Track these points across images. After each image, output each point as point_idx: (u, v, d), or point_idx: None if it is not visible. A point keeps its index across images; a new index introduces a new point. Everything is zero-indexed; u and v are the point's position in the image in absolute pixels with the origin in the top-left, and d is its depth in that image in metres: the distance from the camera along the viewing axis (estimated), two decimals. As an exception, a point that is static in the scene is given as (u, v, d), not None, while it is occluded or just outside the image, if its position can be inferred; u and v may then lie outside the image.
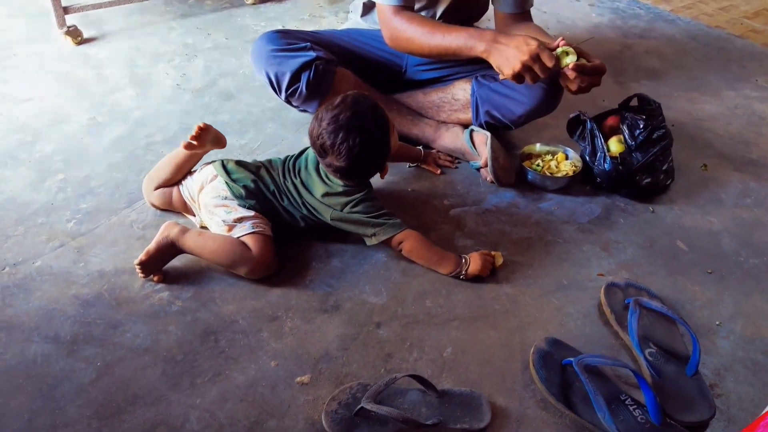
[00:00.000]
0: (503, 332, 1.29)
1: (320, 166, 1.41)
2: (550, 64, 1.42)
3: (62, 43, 2.24)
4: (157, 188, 1.50)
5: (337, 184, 1.39)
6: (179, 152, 1.46)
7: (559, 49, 1.46)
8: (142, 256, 1.32)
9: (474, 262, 1.39)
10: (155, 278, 1.35)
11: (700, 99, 2.16)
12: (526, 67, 1.42)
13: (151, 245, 1.33)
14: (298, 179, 1.43)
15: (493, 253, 1.44)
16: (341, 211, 1.40)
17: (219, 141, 1.49)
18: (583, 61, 1.47)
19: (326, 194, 1.39)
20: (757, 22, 2.83)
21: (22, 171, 1.64)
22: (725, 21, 2.81)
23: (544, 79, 1.54)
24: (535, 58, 1.41)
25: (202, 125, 1.42)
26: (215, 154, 1.54)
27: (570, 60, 1.45)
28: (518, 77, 1.45)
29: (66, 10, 2.20)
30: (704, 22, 2.77)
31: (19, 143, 1.74)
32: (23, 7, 2.48)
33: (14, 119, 1.84)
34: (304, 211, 1.42)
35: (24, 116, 1.85)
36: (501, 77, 1.49)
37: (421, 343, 1.25)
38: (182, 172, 1.49)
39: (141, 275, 1.34)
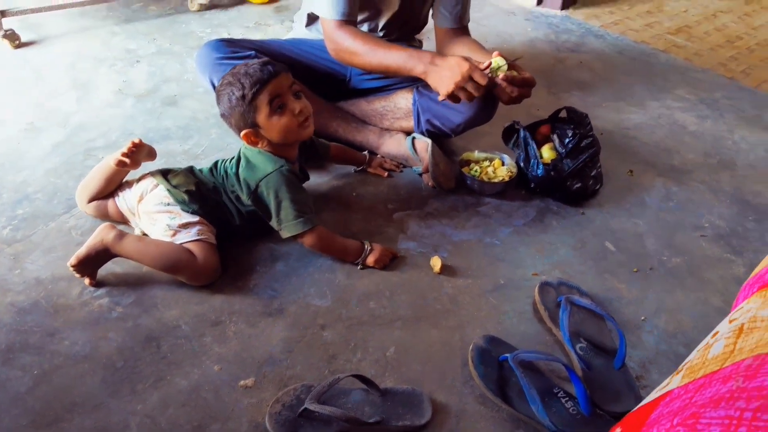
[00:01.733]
0: (444, 331, 1.34)
1: (241, 153, 1.45)
2: (483, 83, 1.48)
3: (-2, 47, 2.19)
4: (90, 201, 1.48)
5: (249, 161, 1.42)
6: (109, 165, 1.43)
7: (493, 61, 1.53)
8: (72, 260, 1.29)
9: (372, 255, 1.46)
10: (87, 281, 1.33)
11: (626, 109, 2.29)
12: (459, 88, 1.48)
13: (82, 249, 1.30)
14: (230, 168, 1.46)
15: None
16: (254, 190, 1.40)
17: (150, 155, 1.49)
18: (514, 73, 1.54)
19: (242, 172, 1.42)
20: (679, 38, 3.00)
21: (-45, 177, 1.60)
22: (650, 36, 2.97)
23: (479, 98, 1.62)
24: (468, 78, 1.47)
25: (137, 141, 1.40)
26: (156, 163, 1.53)
27: (502, 72, 1.52)
28: (453, 97, 1.51)
29: (3, 13, 2.15)
30: (630, 38, 2.92)
31: (-49, 148, 1.69)
32: (-46, 9, 2.40)
33: (-55, 124, 1.79)
34: (238, 204, 1.44)
35: (-44, 121, 1.80)
36: (439, 98, 1.55)
37: (365, 343, 1.29)
38: (113, 184, 1.47)
39: (76, 275, 1.32)
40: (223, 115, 1.42)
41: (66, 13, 2.43)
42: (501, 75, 1.51)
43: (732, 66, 2.77)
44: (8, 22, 2.18)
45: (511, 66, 1.54)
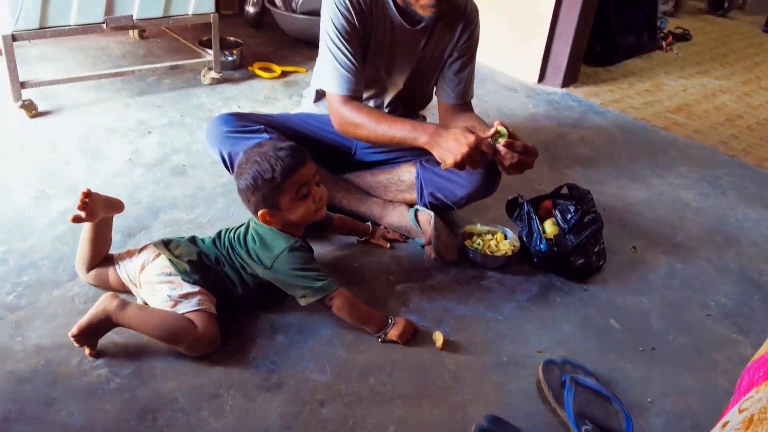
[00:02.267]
0: (445, 410, 1.31)
1: (252, 223, 1.47)
2: (489, 151, 1.52)
3: (16, 116, 2.25)
4: (89, 270, 1.48)
5: (261, 238, 1.43)
6: (85, 228, 1.44)
7: (493, 129, 1.56)
8: (74, 329, 1.29)
9: (395, 329, 1.44)
10: (87, 351, 1.32)
11: (629, 185, 2.32)
12: (467, 157, 1.51)
13: (84, 319, 1.30)
14: (236, 243, 1.46)
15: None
16: (270, 267, 1.42)
17: (113, 206, 1.46)
18: (515, 141, 1.57)
19: (256, 249, 1.43)
20: (679, 116, 3.07)
21: (-38, 242, 1.61)
22: (650, 114, 3.04)
23: (483, 165, 1.65)
24: (474, 148, 1.50)
25: (85, 192, 1.39)
26: (161, 232, 1.55)
27: (503, 139, 1.55)
28: (460, 166, 1.54)
29: (22, 84, 2.23)
30: (631, 115, 2.99)
31: (-38, 214, 1.72)
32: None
33: (-42, 190, 1.82)
34: (243, 274, 1.44)
35: (-31, 187, 1.84)
36: (443, 167, 1.58)
37: (364, 422, 1.26)
38: (101, 246, 1.47)
39: (76, 345, 1.31)
40: (241, 191, 1.44)
41: (82, 85, 2.52)
42: (502, 142, 1.54)
43: (732, 144, 2.82)
44: (26, 93, 2.26)
45: (511, 135, 1.57)
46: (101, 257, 1.49)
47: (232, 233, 1.50)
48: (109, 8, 2.33)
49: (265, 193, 1.41)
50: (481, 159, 1.53)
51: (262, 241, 1.44)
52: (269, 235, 1.44)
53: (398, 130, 1.62)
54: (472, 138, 1.50)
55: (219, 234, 1.51)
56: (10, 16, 2.13)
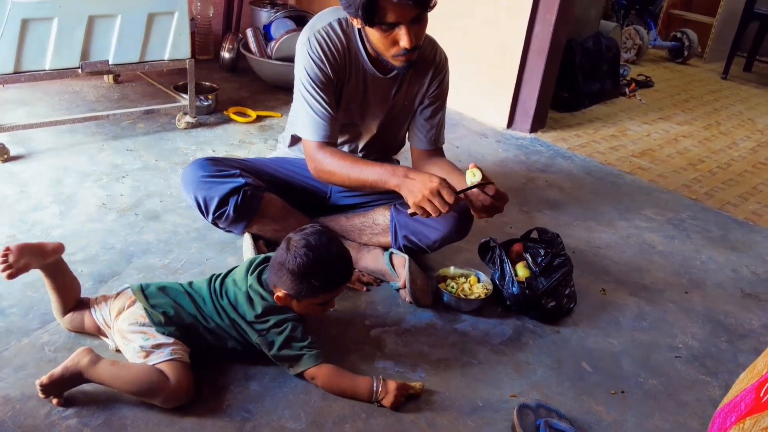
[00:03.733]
0: (421, 455, 1.30)
1: (249, 284, 1.44)
2: (450, 200, 1.53)
3: (-14, 160, 2.23)
4: (64, 314, 1.47)
5: (261, 303, 1.42)
6: (43, 277, 1.43)
7: (468, 171, 1.60)
8: (44, 378, 1.27)
9: (389, 396, 1.40)
10: (54, 401, 1.29)
11: (596, 228, 2.38)
12: (427, 201, 1.53)
13: (57, 369, 1.28)
14: (226, 300, 1.44)
15: (412, 384, 1.45)
16: (266, 335, 1.42)
17: (46, 253, 1.40)
18: (489, 184, 1.60)
19: (254, 316, 1.42)
20: (643, 160, 3.17)
21: (-72, 290, 1.58)
22: (615, 159, 3.14)
23: (456, 209, 1.68)
24: (435, 193, 1.52)
25: (2, 250, 1.35)
26: (134, 277, 1.53)
27: (476, 179, 1.58)
28: (421, 210, 1.56)
29: (-6, 129, 2.22)
30: (597, 160, 3.08)
31: (-73, 261, 1.68)
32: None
33: (-76, 236, 1.78)
34: (233, 333, 1.43)
35: (-65, 233, 1.80)
36: (409, 211, 1.61)
37: (340, 468, 1.25)
38: (66, 291, 1.45)
39: (41, 395, 1.28)
40: (282, 264, 1.40)
41: (56, 129, 2.51)
42: (475, 182, 1.56)
43: (696, 188, 2.92)
44: (-1, 137, 2.25)
45: (484, 177, 1.59)
46: (73, 302, 1.47)
47: (230, 284, 1.47)
48: (85, 53, 2.34)
49: (303, 285, 1.39)
50: (442, 206, 1.54)
51: (263, 312, 1.42)
52: (266, 304, 1.43)
53: (371, 173, 1.65)
54: (436, 182, 1.53)
55: (211, 285, 1.47)
56: (-15, 61, 2.13)
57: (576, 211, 2.49)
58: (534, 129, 3.30)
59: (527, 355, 1.64)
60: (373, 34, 1.60)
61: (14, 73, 2.22)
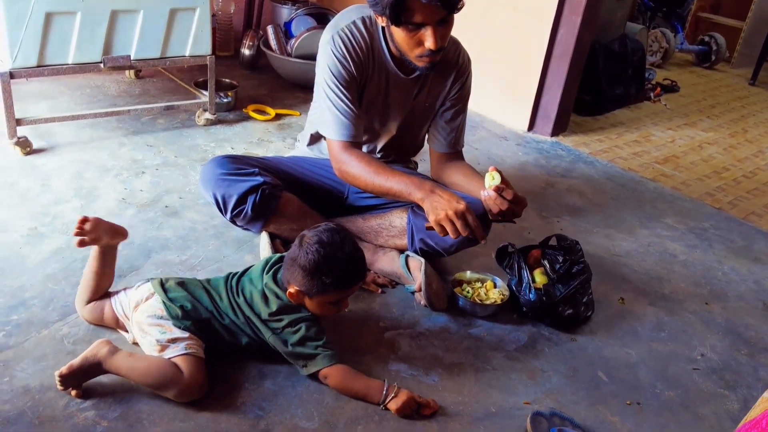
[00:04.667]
0: (432, 461, 1.30)
1: (264, 283, 1.45)
2: (473, 224, 1.54)
3: (10, 153, 2.26)
4: (88, 302, 1.49)
5: (276, 302, 1.43)
6: (89, 259, 1.47)
7: (488, 174, 1.58)
8: (64, 368, 1.29)
9: (395, 401, 1.39)
10: (73, 393, 1.31)
11: (616, 236, 2.35)
12: (448, 221, 1.53)
13: (77, 360, 1.30)
14: (242, 298, 1.45)
15: (425, 400, 1.42)
16: (280, 333, 1.42)
17: (117, 233, 1.49)
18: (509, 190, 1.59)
19: (270, 315, 1.42)
20: (666, 167, 3.13)
21: (-49, 280, 1.60)
22: (638, 165, 3.10)
23: (476, 211, 1.67)
24: (460, 216, 1.52)
25: (81, 218, 1.42)
26: (152, 272, 1.55)
27: (494, 183, 1.56)
28: (440, 228, 1.56)
29: (18, 122, 2.24)
30: (619, 165, 3.04)
31: (-49, 251, 1.71)
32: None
33: (-51, 226, 1.81)
34: (248, 330, 1.44)
35: (-40, 223, 1.83)
36: (426, 224, 1.60)
37: (351, 471, 1.25)
38: (106, 278, 1.49)
39: (59, 387, 1.30)
40: (294, 260, 1.41)
41: (77, 123, 2.53)
42: (494, 185, 1.55)
43: (719, 197, 2.87)
44: (22, 130, 2.27)
45: (504, 182, 1.58)
46: (103, 290, 1.49)
47: (246, 283, 1.47)
48: (107, 48, 2.36)
49: (314, 282, 1.40)
50: (463, 229, 1.54)
51: (278, 309, 1.43)
52: (281, 303, 1.43)
53: (396, 183, 1.65)
54: (462, 206, 1.53)
55: (227, 283, 1.48)
56: (9, 53, 2.16)
57: (596, 217, 2.46)
58: (555, 133, 3.27)
59: (542, 363, 1.63)
60: (399, 34, 1.60)
61: (37, 66, 2.25)
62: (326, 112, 1.72)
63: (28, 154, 2.27)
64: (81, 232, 1.42)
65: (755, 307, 2.02)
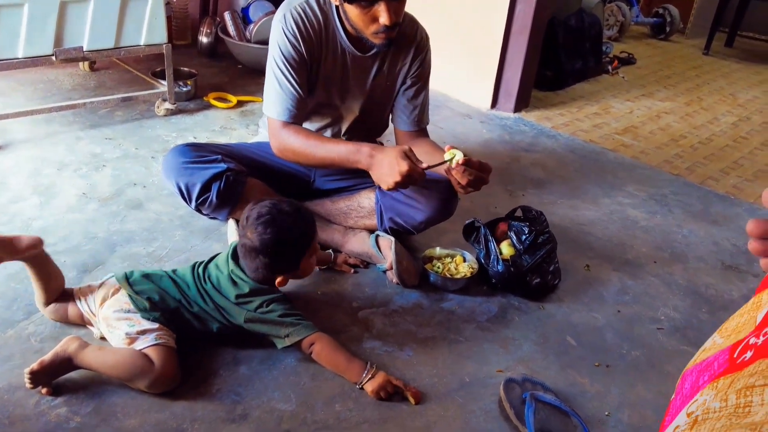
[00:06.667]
0: (410, 432, 1.32)
1: (230, 269, 1.45)
2: (420, 179, 1.54)
3: (-39, 152, 2.20)
4: (47, 304, 1.46)
5: (246, 284, 1.43)
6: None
7: (447, 153, 1.59)
8: (34, 365, 1.27)
9: (371, 383, 1.40)
10: (43, 391, 1.29)
11: (580, 206, 2.39)
12: (399, 184, 1.54)
13: (47, 356, 1.28)
14: (209, 284, 1.45)
15: (410, 393, 1.41)
16: (255, 312, 1.42)
17: (14, 248, 1.34)
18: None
19: (237, 296, 1.42)
20: (626, 137, 3.20)
21: None
22: (599, 136, 3.16)
23: (441, 189, 1.69)
24: (406, 175, 1.52)
25: None
26: (118, 266, 1.52)
27: (458, 158, 1.56)
28: (392, 190, 1.58)
29: (-31, 120, 2.18)
30: (581, 138, 3.09)
31: None
32: None
33: None
34: (218, 316, 1.43)
35: None
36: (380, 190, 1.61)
37: (330, 448, 1.26)
38: (49, 281, 1.43)
39: (29, 385, 1.28)
40: (256, 249, 1.39)
41: (32, 119, 2.47)
42: (461, 160, 1.54)
43: (677, 163, 2.95)
44: (-26, 128, 2.21)
45: (464, 154, 1.59)
46: (56, 293, 1.46)
47: (213, 269, 1.47)
48: (58, 40, 2.30)
49: (294, 250, 1.44)
50: (415, 183, 1.55)
51: (248, 293, 1.43)
52: (253, 285, 1.44)
53: (336, 152, 1.65)
54: (405, 166, 1.52)
55: (194, 271, 1.47)
56: (-43, 50, 2.09)
57: (560, 189, 2.51)
58: (518, 109, 3.30)
59: (513, 332, 1.66)
60: (352, 11, 1.59)
61: (-13, 62, 2.18)
62: (271, 91, 1.70)
63: (-19, 152, 2.21)
64: None
65: (714, 267, 2.09)
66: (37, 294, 1.45)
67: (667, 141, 3.23)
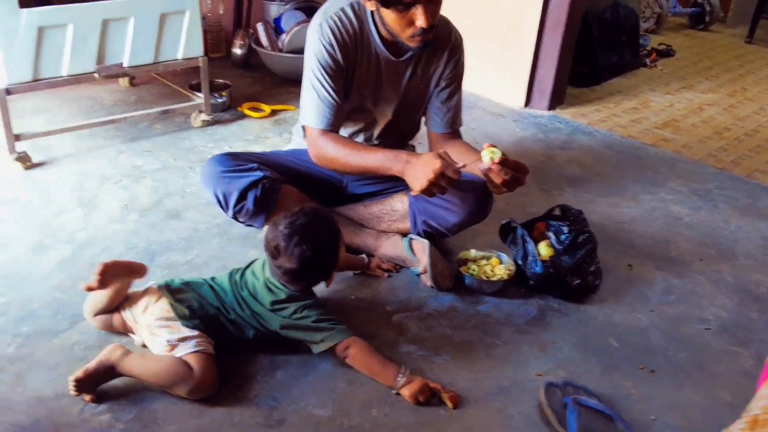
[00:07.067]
0: (448, 438, 1.30)
1: (266, 276, 1.46)
2: (455, 177, 1.51)
3: (11, 168, 2.27)
4: (96, 315, 1.49)
5: (282, 291, 1.44)
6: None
7: (484, 151, 1.56)
8: (79, 372, 1.30)
9: (409, 387, 1.38)
10: (87, 398, 1.32)
11: (620, 203, 2.33)
12: (432, 184, 1.51)
13: (92, 364, 1.32)
14: (246, 291, 1.46)
15: (447, 397, 1.39)
16: (290, 318, 1.43)
17: (133, 271, 1.46)
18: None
19: (273, 303, 1.44)
20: (666, 132, 3.11)
21: (-39, 297, 1.62)
22: (638, 131, 3.08)
23: (476, 190, 1.67)
24: (440, 175, 1.50)
25: (101, 265, 1.38)
26: (158, 275, 1.56)
27: (496, 157, 1.52)
28: (426, 192, 1.55)
29: (17, 137, 2.26)
30: (618, 133, 3.02)
31: (-41, 269, 1.72)
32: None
33: (-45, 245, 1.83)
34: (254, 323, 1.45)
35: (-35, 242, 1.85)
36: (413, 193, 1.59)
37: (368, 454, 1.25)
38: (116, 301, 1.47)
39: (74, 392, 1.31)
40: (299, 272, 1.42)
41: (75, 134, 2.54)
42: (496, 159, 1.51)
43: (722, 156, 2.85)
44: (20, 145, 2.28)
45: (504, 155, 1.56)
46: (111, 309, 1.49)
47: (249, 276, 1.49)
48: (100, 57, 2.37)
49: (326, 264, 1.48)
50: (449, 185, 1.52)
51: (283, 300, 1.45)
52: (289, 292, 1.46)
53: (373, 160, 1.65)
54: (438, 164, 1.50)
55: (231, 279, 1.50)
56: (4, 70, 2.17)
57: (598, 186, 2.45)
58: (552, 106, 3.25)
59: (552, 334, 1.63)
60: (389, 15, 1.59)
61: (33, 81, 2.25)
62: (308, 99, 1.72)
63: (28, 168, 2.29)
64: (101, 280, 1.38)
65: (764, 264, 2.01)
66: (94, 304, 1.48)
67: (710, 134, 3.12)
